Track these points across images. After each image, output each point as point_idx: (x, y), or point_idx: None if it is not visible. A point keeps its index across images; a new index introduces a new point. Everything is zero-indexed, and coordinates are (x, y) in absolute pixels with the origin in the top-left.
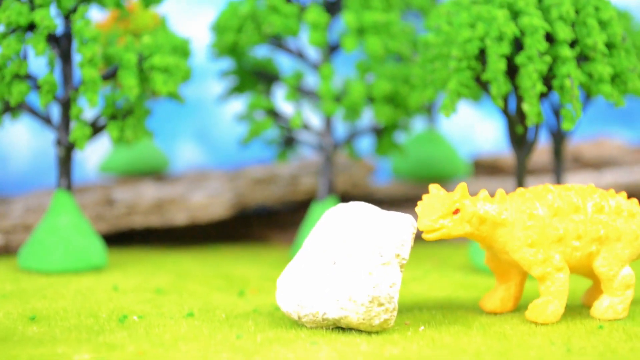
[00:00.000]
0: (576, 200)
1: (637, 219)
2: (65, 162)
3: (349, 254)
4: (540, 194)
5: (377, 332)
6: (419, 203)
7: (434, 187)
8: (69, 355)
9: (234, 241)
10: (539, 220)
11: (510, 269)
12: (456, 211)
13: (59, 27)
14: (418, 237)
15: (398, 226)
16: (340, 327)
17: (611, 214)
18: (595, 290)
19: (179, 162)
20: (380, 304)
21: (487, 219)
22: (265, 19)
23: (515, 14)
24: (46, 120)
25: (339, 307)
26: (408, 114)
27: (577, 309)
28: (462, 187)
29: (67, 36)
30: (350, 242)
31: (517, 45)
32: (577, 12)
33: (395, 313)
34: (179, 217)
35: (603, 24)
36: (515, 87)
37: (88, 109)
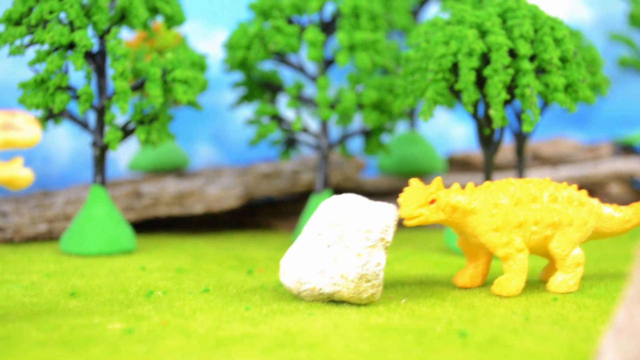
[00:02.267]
0: (534, 192)
1: (586, 207)
2: (100, 161)
3: (341, 238)
4: (504, 186)
5: (365, 305)
6: (400, 194)
7: (413, 181)
8: (103, 324)
9: (244, 228)
10: (503, 208)
11: (479, 250)
12: (432, 201)
13: (95, 46)
14: (400, 223)
15: (383, 214)
16: (333, 300)
17: (564, 203)
18: (551, 268)
19: (197, 160)
20: (368, 281)
21: (459, 207)
22: (271, 38)
23: (483, 33)
24: (84, 125)
25: (333, 284)
26: (392, 119)
27: (535, 284)
28: (437, 180)
29: (102, 53)
30: (342, 228)
31: (485, 59)
32: (535, 31)
33: (380, 288)
34: (197, 207)
35: (558, 41)
36: (483, 95)
37: (120, 115)
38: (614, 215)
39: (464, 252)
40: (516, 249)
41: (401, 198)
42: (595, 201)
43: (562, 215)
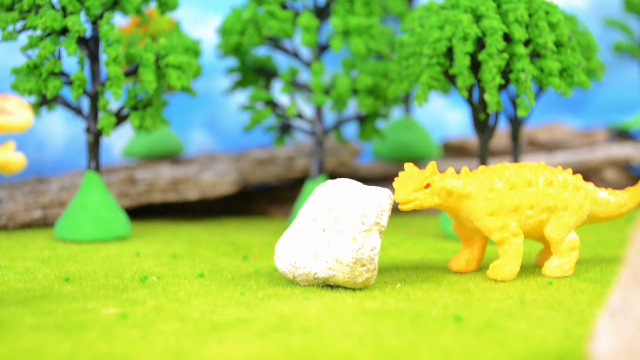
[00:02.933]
0: (529, 176)
1: (581, 191)
2: (94, 147)
3: (336, 222)
4: (499, 171)
5: (360, 289)
6: (395, 179)
7: (408, 166)
8: (98, 309)
9: (239, 214)
10: (498, 193)
11: (474, 234)
12: (427, 185)
13: (88, 31)
14: (395, 208)
15: (378, 198)
16: (328, 285)
17: (559, 187)
18: (546, 252)
19: (191, 147)
20: (363, 265)
21: (454, 192)
22: (265, 23)
23: (477, 18)
24: (77, 111)
25: (328, 268)
26: (387, 104)
27: (531, 268)
28: (432, 165)
29: (95, 39)
30: (337, 212)
31: (480, 44)
32: (530, 15)
33: (375, 273)
34: (192, 194)
35: (552, 26)
36: (478, 80)
37: (113, 101)
38: (609, 199)
39: (459, 236)
40: (511, 233)
41: (396, 183)
42: (590, 185)
43: (558, 200)
